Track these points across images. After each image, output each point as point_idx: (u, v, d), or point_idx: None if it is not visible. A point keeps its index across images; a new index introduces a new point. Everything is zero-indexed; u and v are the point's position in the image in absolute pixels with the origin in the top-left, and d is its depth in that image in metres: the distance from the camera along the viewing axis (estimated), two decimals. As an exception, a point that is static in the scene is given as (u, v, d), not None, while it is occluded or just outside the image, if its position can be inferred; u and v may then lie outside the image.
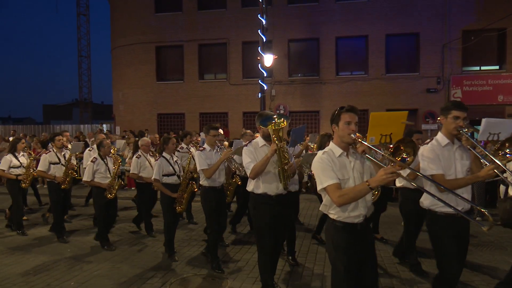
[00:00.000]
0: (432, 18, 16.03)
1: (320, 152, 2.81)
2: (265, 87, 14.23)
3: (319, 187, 2.73)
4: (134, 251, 5.75)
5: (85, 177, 5.79)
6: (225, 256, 5.42)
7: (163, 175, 5.39)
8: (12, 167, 6.67)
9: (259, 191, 3.83)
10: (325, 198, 2.78)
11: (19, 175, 6.68)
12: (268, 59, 13.65)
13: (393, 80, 16.57)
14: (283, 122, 3.60)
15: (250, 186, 3.92)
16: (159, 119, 18.98)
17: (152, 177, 5.50)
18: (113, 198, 5.87)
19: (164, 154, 5.54)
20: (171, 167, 5.46)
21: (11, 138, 13.34)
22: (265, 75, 13.95)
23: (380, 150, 2.76)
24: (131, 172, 6.55)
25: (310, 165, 3.15)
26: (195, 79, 18.39)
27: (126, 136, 13.19)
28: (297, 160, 5.10)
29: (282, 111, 17.10)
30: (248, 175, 3.82)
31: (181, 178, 5.42)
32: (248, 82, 17.34)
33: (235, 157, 5.57)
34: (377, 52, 16.64)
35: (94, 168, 5.77)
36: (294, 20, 17.16)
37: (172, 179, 5.45)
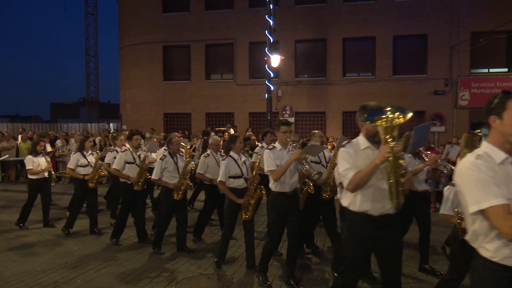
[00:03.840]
0: (441, 19, 15.91)
1: (470, 156, 1.94)
2: (272, 88, 14.21)
3: (472, 208, 1.83)
4: (141, 249, 5.76)
5: (154, 175, 5.52)
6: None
7: (229, 177, 4.86)
8: (79, 166, 6.49)
9: (358, 208, 2.88)
10: (478, 224, 1.88)
11: (86, 175, 6.48)
12: (275, 60, 13.63)
13: (400, 82, 16.47)
14: (400, 117, 2.53)
15: (346, 201, 3.00)
16: (166, 119, 19.05)
17: (218, 179, 4.95)
18: (182, 199, 5.51)
19: (231, 153, 4.99)
20: (238, 168, 4.92)
21: (20, 136, 13.51)
22: (271, 75, 13.94)
23: None
24: (197, 171, 6.18)
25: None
26: (202, 79, 18.44)
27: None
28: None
29: (288, 112, 17.08)
30: (344, 186, 2.88)
31: (248, 182, 4.78)
32: (255, 83, 17.35)
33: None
34: (384, 54, 16.56)
35: (162, 166, 5.46)
36: (302, 21, 17.13)
37: (239, 182, 4.90)
